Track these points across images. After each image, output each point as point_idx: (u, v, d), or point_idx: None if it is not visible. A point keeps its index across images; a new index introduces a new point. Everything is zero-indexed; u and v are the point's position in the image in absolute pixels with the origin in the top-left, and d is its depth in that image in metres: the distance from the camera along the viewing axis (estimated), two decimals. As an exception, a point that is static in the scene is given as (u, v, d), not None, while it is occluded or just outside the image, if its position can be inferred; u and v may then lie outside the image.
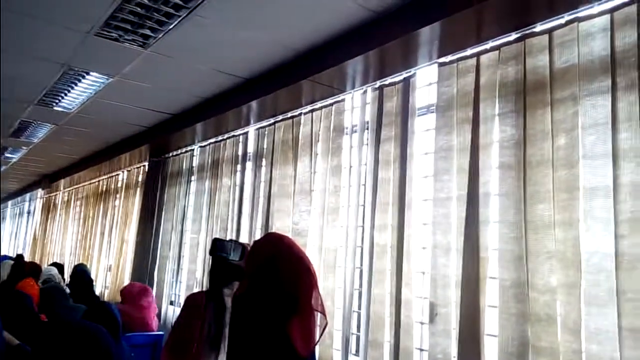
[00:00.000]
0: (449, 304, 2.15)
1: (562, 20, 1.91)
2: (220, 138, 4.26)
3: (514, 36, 2.06)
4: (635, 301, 1.60)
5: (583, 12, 1.85)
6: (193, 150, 4.76)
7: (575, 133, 1.82)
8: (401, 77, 2.60)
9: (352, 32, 2.51)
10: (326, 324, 1.68)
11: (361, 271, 2.67)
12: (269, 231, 3.26)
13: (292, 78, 2.94)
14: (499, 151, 2.07)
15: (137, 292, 3.72)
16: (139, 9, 2.44)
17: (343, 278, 2.75)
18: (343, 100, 3.00)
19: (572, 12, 1.87)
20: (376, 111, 2.72)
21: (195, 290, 4.04)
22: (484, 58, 2.17)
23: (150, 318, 3.73)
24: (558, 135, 1.87)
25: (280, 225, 3.23)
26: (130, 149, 5.29)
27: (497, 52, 2.12)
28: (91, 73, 3.41)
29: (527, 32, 2.01)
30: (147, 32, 2.69)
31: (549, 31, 1.94)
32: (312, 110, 3.20)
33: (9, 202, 13.47)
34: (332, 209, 2.91)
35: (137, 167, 5.82)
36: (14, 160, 7.13)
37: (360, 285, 2.66)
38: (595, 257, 1.71)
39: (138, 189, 5.65)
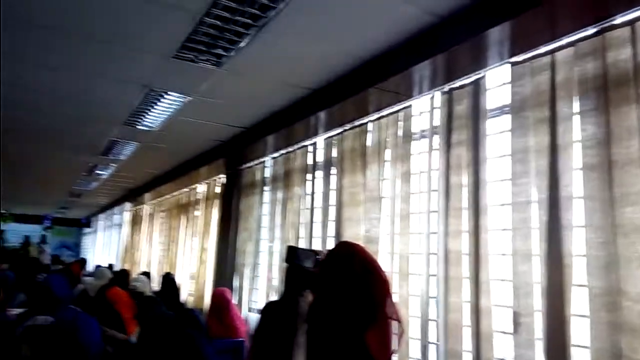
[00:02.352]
0: (532, 313, 2.06)
1: (647, 9, 1.78)
2: (290, 149, 4.36)
3: (591, 31, 1.94)
4: None
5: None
6: (265, 161, 4.90)
7: (667, 129, 1.68)
8: (471, 80, 2.54)
9: (418, 38, 2.50)
10: (402, 332, 1.66)
11: (437, 279, 2.62)
12: (341, 239, 3.29)
13: (359, 86, 2.96)
14: (581, 151, 1.96)
15: (222, 300, 3.86)
16: (212, 30, 2.58)
17: (418, 286, 2.71)
18: (410, 105, 2.97)
19: (658, -1, 1.74)
20: (445, 115, 2.67)
21: (272, 297, 4.16)
22: (559, 55, 2.07)
23: (237, 324, 3.88)
24: (647, 132, 1.74)
25: (352, 233, 3.25)
26: (208, 162, 5.55)
27: (573, 48, 2.01)
28: (170, 93, 3.64)
29: (606, 25, 1.89)
30: (220, 51, 2.83)
31: (631, 23, 1.82)
32: (379, 118, 3.20)
33: (101, 216, 14.61)
34: (403, 216, 2.88)
35: (214, 180, 6.09)
36: (105, 176, 7.74)
37: (437, 293, 2.61)
38: (696, 263, 1.57)
39: (216, 200, 5.91)
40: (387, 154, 3.10)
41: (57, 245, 16.66)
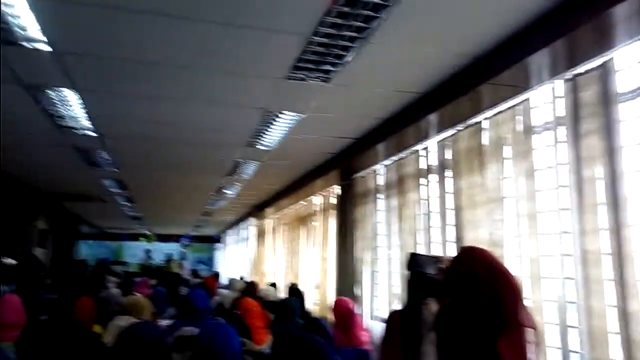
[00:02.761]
0: (695, 318, 1.80)
1: None
2: (402, 154, 4.34)
3: None
4: None
5: None
6: (378, 169, 4.93)
7: None
8: (597, 62, 2.32)
9: (532, 26, 2.36)
10: (539, 340, 1.58)
11: (573, 281, 2.42)
12: (464, 244, 3.19)
13: (470, 84, 2.87)
14: None
15: (345, 310, 3.92)
16: (320, 48, 2.69)
17: (552, 290, 2.52)
18: (529, 98, 2.80)
19: None
20: (571, 104, 2.47)
21: (394, 305, 4.14)
22: None
23: (360, 334, 3.90)
24: None
25: (474, 237, 3.13)
26: (323, 175, 5.74)
27: None
28: (285, 113, 3.85)
29: None
30: (329, 67, 2.94)
31: None
32: (495, 114, 3.05)
33: (229, 231, 15.75)
34: (529, 216, 2.71)
35: (329, 191, 6.26)
36: (231, 195, 8.35)
37: (577, 298, 2.40)
38: None
39: (332, 211, 6.06)
40: (507, 151, 2.95)
41: (193, 261, 18.30)
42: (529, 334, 1.56)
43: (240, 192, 7.96)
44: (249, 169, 6.09)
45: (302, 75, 3.07)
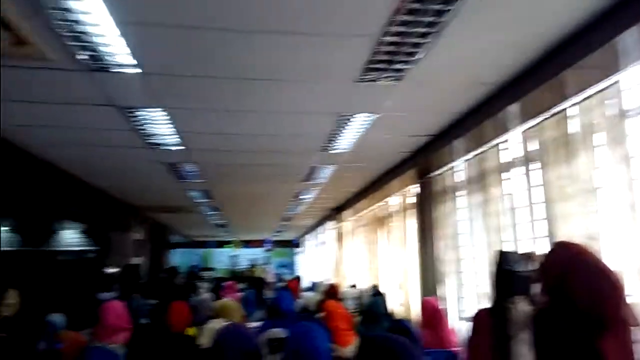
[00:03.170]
0: None
1: None
2: (481, 149, 4.18)
3: None
4: None
5: None
6: (456, 165, 4.79)
7: None
8: (699, 34, 2.11)
9: (619, 3, 2.19)
10: (646, 339, 1.47)
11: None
12: (556, 240, 3.01)
13: (553, 71, 2.72)
14: None
15: (434, 310, 3.84)
16: (390, 47, 2.68)
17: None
18: (618, 81, 2.60)
19: None
20: (670, 82, 2.26)
21: (482, 304, 3.99)
22: None
23: (449, 334, 3.81)
24: None
25: (567, 231, 2.95)
26: (400, 174, 5.68)
27: None
28: (358, 115, 3.87)
29: None
30: (400, 65, 2.92)
31: None
32: (582, 100, 2.86)
33: (308, 236, 16.02)
34: (627, 206, 2.51)
35: (406, 191, 6.18)
36: (309, 200, 8.50)
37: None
38: None
39: (410, 211, 5.97)
40: (597, 138, 2.75)
41: (276, 265, 18.83)
42: (635, 332, 1.47)
43: (318, 196, 8.08)
44: (325, 173, 6.17)
45: (373, 77, 3.07)
